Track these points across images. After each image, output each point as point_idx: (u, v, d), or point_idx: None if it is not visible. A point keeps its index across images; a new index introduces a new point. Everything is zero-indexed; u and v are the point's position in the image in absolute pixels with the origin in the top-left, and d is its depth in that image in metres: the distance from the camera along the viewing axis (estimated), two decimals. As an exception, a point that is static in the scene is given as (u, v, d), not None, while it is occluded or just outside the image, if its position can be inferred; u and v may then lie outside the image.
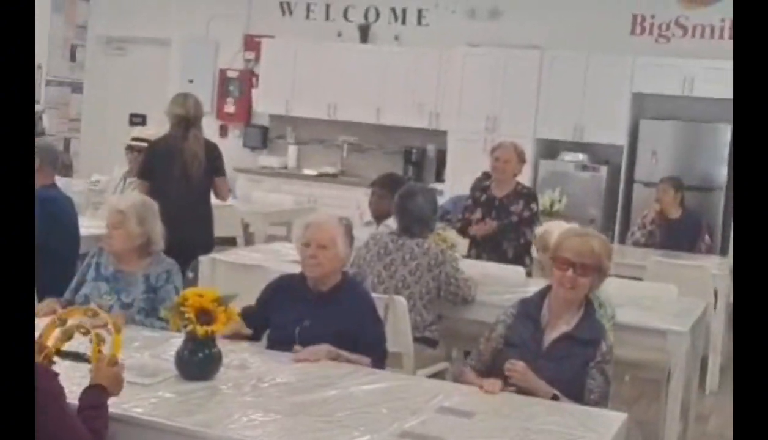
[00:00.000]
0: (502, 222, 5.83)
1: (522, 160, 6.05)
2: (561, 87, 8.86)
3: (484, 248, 5.83)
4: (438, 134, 9.60)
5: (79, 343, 2.80)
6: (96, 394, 2.57)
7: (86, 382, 2.65)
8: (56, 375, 2.38)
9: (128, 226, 3.87)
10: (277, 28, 10.38)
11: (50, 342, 2.72)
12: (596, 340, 3.38)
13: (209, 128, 10.15)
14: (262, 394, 3.02)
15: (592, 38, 8.84)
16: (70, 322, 2.77)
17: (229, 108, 10.63)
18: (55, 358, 2.71)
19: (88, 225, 5.49)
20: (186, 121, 5.94)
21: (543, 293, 3.49)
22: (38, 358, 2.65)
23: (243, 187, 9.33)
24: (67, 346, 2.76)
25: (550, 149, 9.10)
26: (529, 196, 5.97)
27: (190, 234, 5.44)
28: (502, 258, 5.62)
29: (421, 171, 9.91)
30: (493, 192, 5.98)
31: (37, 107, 10.47)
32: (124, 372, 2.72)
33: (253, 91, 10.46)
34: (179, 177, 5.82)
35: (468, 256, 5.63)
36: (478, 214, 5.89)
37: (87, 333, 2.71)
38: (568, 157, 8.98)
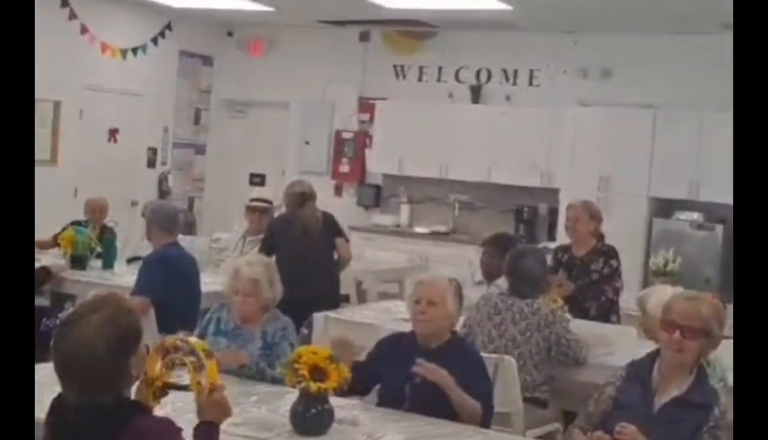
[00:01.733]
0: (583, 282, 5.81)
1: (595, 217, 6.03)
2: (675, 145, 8.77)
3: (570, 308, 5.81)
4: (550, 192, 9.60)
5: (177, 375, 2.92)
6: (207, 434, 2.66)
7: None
8: (180, 430, 2.50)
9: (261, 292, 4.06)
10: (390, 90, 10.64)
11: (155, 375, 2.81)
12: (708, 405, 3.34)
13: (324, 187, 10.47)
14: (372, 451, 3.10)
15: (706, 96, 8.74)
16: (169, 355, 2.89)
17: (344, 168, 10.90)
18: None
19: (210, 282, 5.72)
20: (302, 196, 6.37)
21: (653, 356, 3.47)
22: (148, 393, 2.78)
23: (356, 245, 9.49)
24: (169, 377, 2.85)
25: (665, 208, 8.99)
26: (608, 253, 5.94)
27: (314, 290, 5.89)
28: (586, 318, 5.59)
29: (533, 229, 9.91)
30: (573, 252, 5.99)
31: (164, 168, 10.98)
32: (225, 394, 2.75)
33: (367, 151, 10.71)
34: (300, 237, 6.22)
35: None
36: (560, 275, 5.88)
37: (183, 364, 2.80)
38: (683, 215, 8.84)
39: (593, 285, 5.81)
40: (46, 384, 3.42)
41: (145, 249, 6.56)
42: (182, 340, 2.85)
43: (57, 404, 2.57)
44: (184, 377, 2.82)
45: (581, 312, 5.72)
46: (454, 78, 10.43)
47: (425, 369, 3.52)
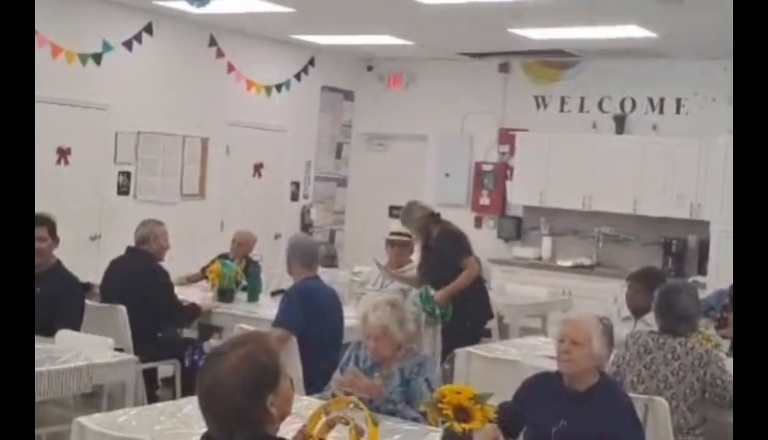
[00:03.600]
0: None
1: None
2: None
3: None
4: (699, 225, 9.24)
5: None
6: None
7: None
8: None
9: (390, 336, 4.03)
10: (531, 121, 10.51)
11: (315, 432, 2.84)
12: None
13: (464, 220, 10.40)
14: (519, 496, 3.00)
15: None
16: (334, 413, 2.89)
17: (484, 200, 10.82)
18: None
19: (352, 316, 5.73)
20: (428, 217, 6.57)
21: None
22: None
23: (497, 278, 9.38)
24: (329, 436, 2.88)
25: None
26: None
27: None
28: None
29: (682, 263, 9.55)
30: None
31: (306, 201, 11.17)
32: None
33: (508, 182, 10.59)
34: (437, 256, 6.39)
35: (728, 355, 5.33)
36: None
37: (347, 424, 2.82)
38: None
39: None
40: (195, 418, 3.51)
41: (289, 282, 6.67)
42: (354, 403, 2.85)
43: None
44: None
45: None
46: (598, 107, 10.22)
47: None
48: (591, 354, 3.66)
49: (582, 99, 10.31)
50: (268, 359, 2.48)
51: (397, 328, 4.03)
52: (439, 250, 6.46)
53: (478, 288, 6.49)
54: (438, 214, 6.64)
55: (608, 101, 10.16)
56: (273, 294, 6.89)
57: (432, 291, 6.39)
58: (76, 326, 4.99)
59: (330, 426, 2.84)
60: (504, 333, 7.43)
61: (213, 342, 5.87)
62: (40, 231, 5.14)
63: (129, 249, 6.24)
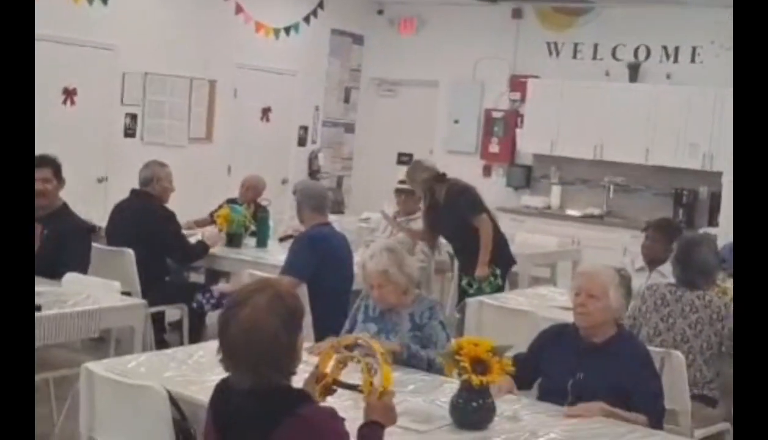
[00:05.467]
0: None
1: None
2: None
3: None
4: (711, 176, 9.14)
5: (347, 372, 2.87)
6: (373, 433, 2.60)
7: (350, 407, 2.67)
8: (343, 419, 2.43)
9: (393, 280, 3.94)
10: (543, 68, 10.35)
11: (327, 371, 2.79)
12: None
13: (473, 167, 10.31)
14: (536, 449, 2.95)
15: None
16: (345, 352, 2.84)
17: (494, 148, 10.69)
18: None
19: (360, 263, 5.66)
20: (434, 178, 6.39)
21: None
22: (317, 387, 2.73)
23: (506, 227, 9.29)
24: (340, 375, 2.83)
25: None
26: None
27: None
28: None
29: (693, 214, 9.46)
30: None
31: (314, 146, 11.06)
32: (393, 399, 2.70)
33: (518, 130, 10.46)
34: (447, 216, 6.20)
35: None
36: None
37: (359, 362, 2.76)
38: None
39: None
40: (206, 365, 3.45)
41: (297, 228, 6.59)
42: (363, 340, 2.79)
43: (222, 388, 2.54)
44: (353, 376, 2.78)
45: None
46: (611, 55, 10.04)
47: (577, 411, 3.33)
48: (607, 307, 3.59)
49: (595, 46, 10.13)
50: (293, 300, 2.45)
51: (398, 271, 3.93)
52: (449, 211, 6.31)
53: (499, 238, 6.39)
54: (443, 174, 6.45)
55: (622, 49, 9.98)
56: (281, 240, 6.82)
57: (466, 280, 6.24)
58: (83, 269, 4.93)
59: (342, 364, 2.80)
60: (513, 282, 7.36)
61: (222, 286, 5.81)
62: (44, 173, 5.05)
63: (133, 192, 6.15)
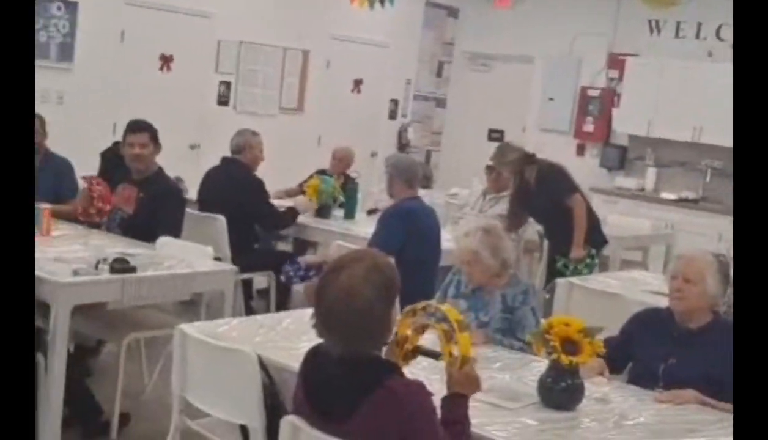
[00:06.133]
0: None
1: None
2: None
3: None
4: (816, 163, 8.79)
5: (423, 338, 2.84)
6: (457, 404, 2.57)
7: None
8: (431, 394, 2.42)
9: (483, 261, 3.90)
10: (643, 46, 10.08)
11: (406, 337, 2.75)
12: None
13: (566, 146, 10.15)
14: (624, 432, 2.89)
15: None
16: (422, 318, 2.80)
17: (588, 127, 10.49)
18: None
19: (449, 239, 5.63)
20: (524, 159, 6.25)
21: None
22: (399, 352, 2.70)
23: (598, 208, 9.14)
24: (418, 341, 2.80)
25: None
26: None
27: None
28: None
29: (794, 202, 9.14)
30: None
31: (404, 120, 11.03)
32: (476, 369, 2.67)
33: (614, 109, 10.23)
34: (539, 197, 6.11)
35: None
36: None
37: (437, 329, 2.71)
38: None
39: None
40: (294, 332, 3.48)
41: (385, 201, 6.58)
42: (435, 307, 2.76)
43: (314, 354, 2.55)
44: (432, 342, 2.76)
45: None
46: (715, 35, 9.71)
47: (667, 397, 3.24)
48: (704, 293, 3.49)
49: (699, 25, 9.81)
50: (390, 271, 2.44)
51: (489, 255, 3.89)
52: (541, 192, 6.18)
53: (592, 218, 6.28)
54: (533, 155, 6.32)
55: (726, 28, 9.63)
56: (369, 212, 6.83)
57: (562, 261, 6.15)
58: (176, 233, 5.01)
59: (420, 330, 2.78)
60: (604, 265, 7.23)
61: (308, 257, 5.85)
62: (142, 138, 5.14)
63: (224, 159, 6.22)
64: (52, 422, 3.88)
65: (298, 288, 6.48)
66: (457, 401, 2.56)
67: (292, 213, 6.26)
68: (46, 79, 7.55)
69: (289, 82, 9.68)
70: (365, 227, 6.01)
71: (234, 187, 6.02)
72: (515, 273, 4.05)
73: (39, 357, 3.84)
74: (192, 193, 6.37)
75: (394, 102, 10.90)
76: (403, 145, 10.92)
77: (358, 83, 10.43)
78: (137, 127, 5.20)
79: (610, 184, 10.12)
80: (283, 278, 5.81)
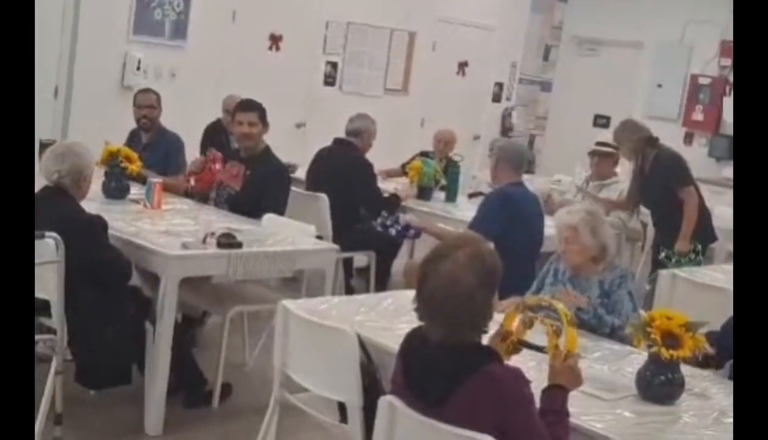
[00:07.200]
0: None
1: None
2: None
3: None
4: None
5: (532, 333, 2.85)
6: (557, 396, 2.58)
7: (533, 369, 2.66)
8: (529, 382, 2.43)
9: (582, 240, 3.87)
10: (758, 33, 9.76)
11: (512, 330, 2.78)
12: None
13: (673, 135, 9.91)
14: (723, 430, 2.84)
15: None
16: (531, 313, 2.83)
17: (697, 115, 10.23)
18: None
19: (549, 225, 5.59)
20: (646, 140, 6.07)
21: None
22: (503, 345, 2.73)
23: (707, 199, 8.92)
24: (525, 334, 2.82)
25: None
26: None
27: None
28: None
29: None
30: None
31: (508, 104, 10.95)
32: (579, 365, 2.67)
33: (725, 98, 9.94)
34: (651, 183, 6.02)
35: None
36: None
37: (546, 324, 2.73)
38: None
39: None
40: (393, 313, 3.53)
41: (486, 184, 6.56)
42: (547, 302, 2.77)
43: (414, 336, 2.59)
44: (538, 338, 2.77)
45: None
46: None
47: None
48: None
49: (819, 12, 9.44)
50: (493, 259, 2.46)
51: (589, 234, 3.86)
52: (655, 178, 6.02)
53: (703, 213, 6.12)
54: (657, 138, 6.11)
55: None
56: (470, 196, 6.83)
57: (665, 252, 5.98)
58: (281, 210, 5.12)
59: (527, 324, 2.80)
60: (709, 257, 7.06)
61: (410, 217, 5.89)
62: (251, 116, 5.26)
63: (337, 140, 6.31)
64: (158, 388, 4.04)
65: (397, 268, 6.54)
66: (556, 393, 2.57)
67: (397, 199, 6.33)
68: (160, 56, 7.78)
69: (395, 63, 9.72)
70: (466, 211, 6.01)
71: (344, 168, 6.11)
72: (613, 261, 4.01)
73: (148, 325, 4.01)
74: (299, 172, 6.50)
75: (499, 85, 10.83)
76: (506, 129, 10.86)
77: (462, 65, 10.40)
78: (247, 105, 5.32)
79: (718, 174, 9.85)
80: (378, 225, 5.87)
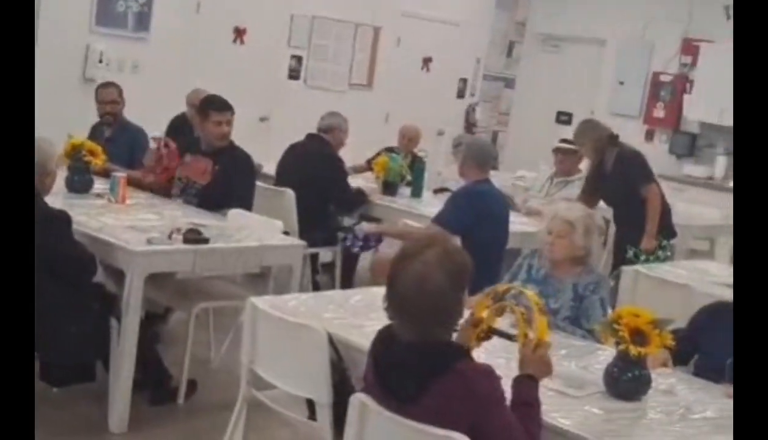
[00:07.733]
0: None
1: None
2: None
3: None
4: None
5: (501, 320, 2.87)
6: (527, 386, 2.59)
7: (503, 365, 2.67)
8: (500, 378, 2.44)
9: (574, 238, 3.89)
10: (718, 32, 9.86)
11: (483, 318, 2.78)
12: None
13: (635, 132, 10.02)
14: (690, 426, 2.88)
15: None
16: (500, 299, 2.83)
17: (658, 112, 10.34)
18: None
19: (514, 221, 5.63)
20: (607, 139, 6.13)
21: None
22: (473, 333, 2.73)
23: (666, 196, 9.03)
24: (495, 322, 2.83)
25: None
26: None
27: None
28: None
29: None
30: None
31: (472, 100, 10.98)
32: (549, 354, 2.69)
33: (686, 96, 10.06)
34: (613, 181, 6.06)
35: None
36: None
37: (513, 311, 2.75)
38: None
39: None
40: (362, 310, 3.53)
41: (450, 181, 6.58)
42: (518, 289, 2.78)
43: (384, 335, 2.59)
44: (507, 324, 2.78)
45: None
46: (794, 22, 9.48)
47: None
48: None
49: (778, 12, 9.58)
50: (462, 257, 2.47)
51: (582, 233, 3.89)
52: (617, 177, 6.07)
53: (664, 209, 6.19)
54: (617, 136, 6.18)
55: (807, 16, 9.41)
56: (435, 191, 6.85)
57: (633, 251, 6.03)
58: (247, 205, 5.10)
59: (499, 313, 2.81)
60: (671, 252, 7.14)
61: (366, 226, 5.88)
62: (228, 116, 5.28)
63: (309, 136, 6.30)
64: (123, 385, 4.00)
65: (363, 263, 6.55)
66: (527, 383, 2.58)
67: (361, 194, 6.33)
68: (122, 48, 7.70)
69: (360, 58, 9.71)
70: (431, 207, 6.02)
71: (315, 164, 6.11)
72: (591, 265, 4.03)
73: (113, 322, 3.97)
74: (266, 167, 6.48)
75: (463, 81, 10.86)
76: (470, 125, 10.89)
77: (427, 61, 10.42)
78: (224, 105, 5.30)
79: (678, 171, 9.98)
80: (342, 248, 5.90)
